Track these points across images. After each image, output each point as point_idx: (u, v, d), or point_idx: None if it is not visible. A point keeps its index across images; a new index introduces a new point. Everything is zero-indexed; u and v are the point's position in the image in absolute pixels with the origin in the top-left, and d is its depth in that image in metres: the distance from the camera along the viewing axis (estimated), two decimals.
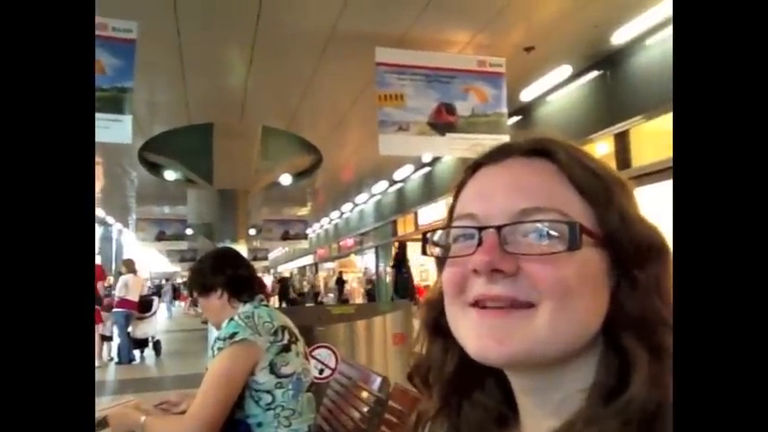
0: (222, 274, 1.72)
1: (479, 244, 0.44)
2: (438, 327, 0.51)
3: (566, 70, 5.85)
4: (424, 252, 0.50)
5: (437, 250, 0.49)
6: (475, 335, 0.44)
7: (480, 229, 0.44)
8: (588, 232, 0.43)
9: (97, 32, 3.85)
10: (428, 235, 0.49)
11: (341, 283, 17.06)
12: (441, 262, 0.50)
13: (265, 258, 22.97)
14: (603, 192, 0.45)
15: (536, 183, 0.45)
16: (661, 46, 4.94)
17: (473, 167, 0.50)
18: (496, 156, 0.49)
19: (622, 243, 0.44)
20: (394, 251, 10.89)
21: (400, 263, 9.96)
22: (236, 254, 1.87)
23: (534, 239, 0.43)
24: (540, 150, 0.47)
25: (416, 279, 11.74)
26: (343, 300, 15.69)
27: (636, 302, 0.43)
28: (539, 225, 0.43)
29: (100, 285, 7.75)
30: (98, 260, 14.60)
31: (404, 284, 9.70)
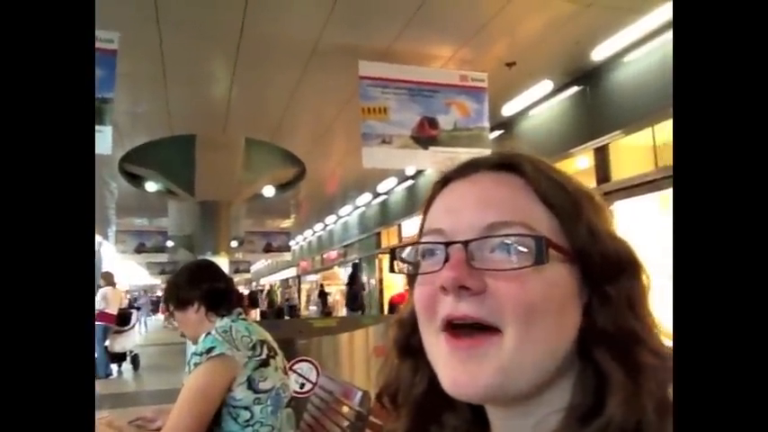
0: (199, 288, 1.69)
1: (446, 260, 0.43)
2: (408, 347, 0.50)
3: (547, 85, 5.94)
4: (392, 269, 0.49)
5: (406, 267, 0.48)
6: (448, 370, 0.43)
7: (447, 244, 0.44)
8: (555, 246, 0.43)
9: None
10: (396, 251, 0.49)
11: (323, 295, 16.92)
12: (412, 279, 0.49)
13: (247, 271, 22.73)
14: (571, 206, 0.45)
15: (503, 197, 0.45)
16: (639, 63, 5.05)
17: (442, 182, 0.50)
18: (464, 170, 0.49)
19: (592, 258, 0.43)
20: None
21: (352, 280, 11.96)
22: (214, 266, 1.84)
23: (501, 255, 0.42)
24: (507, 165, 0.47)
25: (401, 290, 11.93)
26: (326, 312, 15.56)
27: (608, 318, 0.42)
28: (505, 240, 0.42)
29: (101, 296, 7.54)
30: None
31: (354, 299, 11.78)
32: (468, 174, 0.48)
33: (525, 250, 0.42)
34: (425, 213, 0.50)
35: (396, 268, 0.48)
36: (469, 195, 0.46)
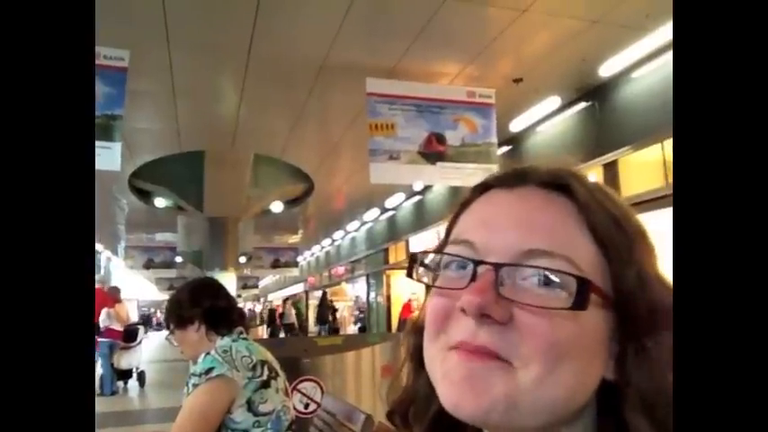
0: (200, 306, 1.66)
1: (473, 279, 0.38)
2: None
3: (554, 101, 5.93)
4: (409, 275, 0.43)
5: (426, 275, 0.43)
6: (450, 381, 0.38)
7: (477, 262, 0.39)
8: (598, 291, 0.38)
9: None
10: (418, 256, 0.43)
11: (332, 311, 16.72)
12: (429, 286, 0.44)
13: (255, 287, 22.71)
14: (624, 245, 0.40)
15: (550, 222, 0.40)
16: (647, 78, 5.03)
17: (481, 188, 0.45)
18: (510, 181, 0.43)
19: (636, 306, 0.38)
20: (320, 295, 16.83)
21: (322, 302, 15.89)
22: (216, 284, 1.81)
23: (534, 288, 0.37)
24: (559, 184, 0.42)
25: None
26: (334, 329, 15.47)
27: (644, 375, 0.37)
28: (543, 273, 0.37)
29: (107, 313, 7.42)
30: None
31: (323, 315, 15.43)
32: (513, 185, 0.43)
33: (563, 289, 0.37)
34: (455, 218, 0.45)
35: (415, 275, 0.43)
36: (512, 211, 0.41)
